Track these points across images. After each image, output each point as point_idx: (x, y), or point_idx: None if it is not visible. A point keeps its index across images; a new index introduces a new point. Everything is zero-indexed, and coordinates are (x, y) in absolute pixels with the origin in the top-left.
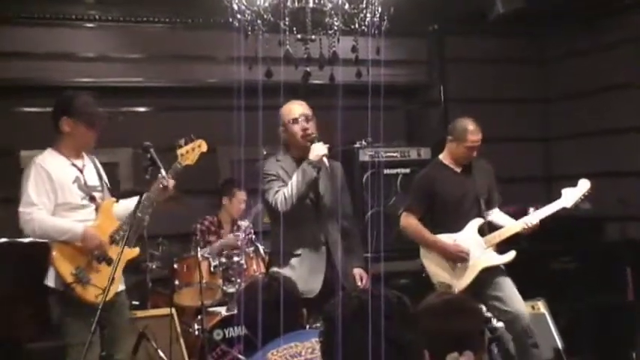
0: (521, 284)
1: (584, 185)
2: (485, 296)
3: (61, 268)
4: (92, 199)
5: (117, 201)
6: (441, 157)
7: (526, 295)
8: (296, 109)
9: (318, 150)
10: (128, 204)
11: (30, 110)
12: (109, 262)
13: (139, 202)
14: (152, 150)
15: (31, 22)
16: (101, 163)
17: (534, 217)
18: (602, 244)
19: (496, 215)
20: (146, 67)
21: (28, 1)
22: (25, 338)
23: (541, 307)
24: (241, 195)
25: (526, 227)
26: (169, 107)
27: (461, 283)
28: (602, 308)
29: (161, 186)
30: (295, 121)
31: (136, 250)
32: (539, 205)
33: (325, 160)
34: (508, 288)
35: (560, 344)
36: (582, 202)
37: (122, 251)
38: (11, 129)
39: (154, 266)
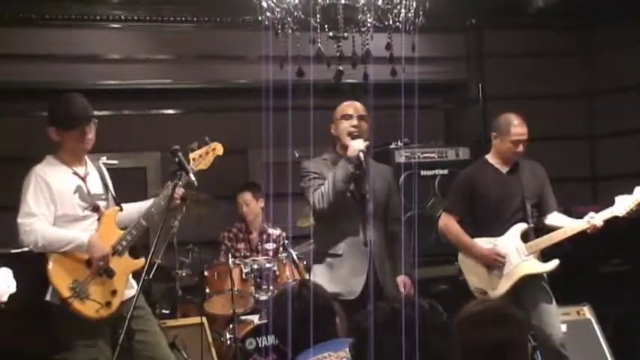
0: (567, 289)
1: (639, 193)
2: (520, 307)
3: (58, 281)
4: (95, 209)
5: (121, 209)
6: (487, 156)
7: (572, 301)
8: (351, 106)
9: (356, 145)
10: (132, 210)
11: None
12: (110, 274)
13: (149, 207)
14: (180, 154)
15: (53, 23)
16: (128, 168)
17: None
18: None
19: (553, 218)
20: (173, 68)
21: (51, 1)
22: (34, 353)
23: (587, 312)
24: (241, 197)
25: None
26: (198, 109)
27: (496, 291)
28: None
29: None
30: (346, 117)
31: (141, 262)
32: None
33: (362, 155)
34: (545, 303)
35: (607, 352)
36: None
37: (149, 260)
38: (33, 135)
39: (183, 274)
